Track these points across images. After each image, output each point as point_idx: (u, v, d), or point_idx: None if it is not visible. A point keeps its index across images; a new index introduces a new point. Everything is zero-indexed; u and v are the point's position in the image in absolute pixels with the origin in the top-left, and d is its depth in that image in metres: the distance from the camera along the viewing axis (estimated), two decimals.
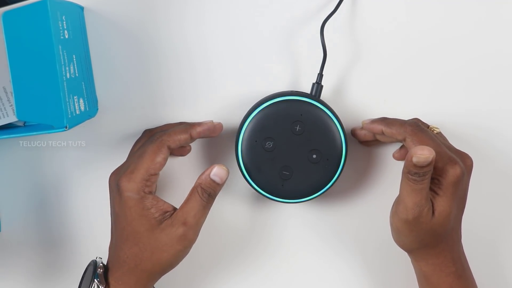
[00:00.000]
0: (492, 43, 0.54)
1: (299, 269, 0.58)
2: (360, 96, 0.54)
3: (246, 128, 0.50)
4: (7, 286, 0.59)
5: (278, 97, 0.50)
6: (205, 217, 0.49)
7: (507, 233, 0.57)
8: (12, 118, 0.52)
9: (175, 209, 0.49)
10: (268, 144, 0.50)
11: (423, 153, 0.44)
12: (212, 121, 0.52)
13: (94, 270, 0.50)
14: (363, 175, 0.56)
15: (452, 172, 0.46)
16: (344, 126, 0.51)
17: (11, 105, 0.51)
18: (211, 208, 0.57)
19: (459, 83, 0.54)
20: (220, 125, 0.52)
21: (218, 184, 0.49)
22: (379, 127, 0.51)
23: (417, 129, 0.48)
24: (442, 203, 0.47)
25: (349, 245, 0.57)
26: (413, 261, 0.52)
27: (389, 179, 0.56)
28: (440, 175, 0.46)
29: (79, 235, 0.58)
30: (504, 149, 0.55)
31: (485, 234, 0.56)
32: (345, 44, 0.54)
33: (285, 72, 0.54)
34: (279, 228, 0.57)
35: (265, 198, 0.52)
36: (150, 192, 0.48)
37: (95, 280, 0.49)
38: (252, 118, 0.50)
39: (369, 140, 0.53)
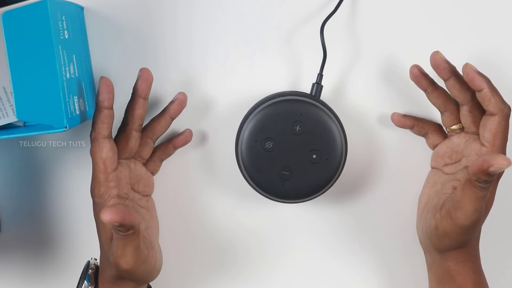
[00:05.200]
0: (494, 43, 0.53)
1: (299, 269, 0.58)
2: (360, 96, 0.54)
3: (246, 128, 0.50)
4: (7, 285, 0.59)
5: (278, 97, 0.50)
6: (138, 251, 0.47)
7: (506, 233, 0.57)
8: (12, 118, 0.52)
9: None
10: (268, 144, 0.50)
11: (504, 163, 0.40)
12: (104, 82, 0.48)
13: (85, 271, 0.50)
14: (363, 175, 0.56)
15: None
16: (344, 126, 0.51)
17: (11, 105, 0.51)
18: (212, 208, 0.57)
19: None
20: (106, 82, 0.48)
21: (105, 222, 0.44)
22: (410, 122, 0.52)
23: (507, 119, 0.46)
24: (490, 199, 0.47)
25: (349, 245, 0.57)
26: (440, 260, 0.50)
27: (389, 179, 0.56)
28: None
29: (79, 235, 0.58)
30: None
31: (483, 234, 0.56)
32: (345, 44, 0.54)
33: (285, 72, 0.54)
34: (279, 228, 0.57)
35: (265, 198, 0.52)
36: (118, 196, 0.48)
37: (84, 281, 0.49)
38: (252, 118, 0.50)
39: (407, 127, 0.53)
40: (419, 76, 0.49)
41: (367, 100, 0.54)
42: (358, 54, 0.54)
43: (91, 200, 0.51)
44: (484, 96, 0.46)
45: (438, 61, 0.47)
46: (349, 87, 0.54)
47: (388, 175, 0.56)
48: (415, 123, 0.52)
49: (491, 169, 0.40)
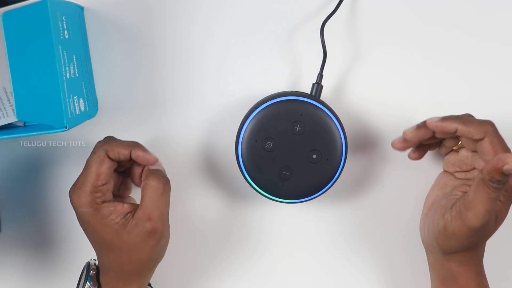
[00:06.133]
0: (495, 42, 0.54)
1: (299, 269, 0.58)
2: (360, 96, 0.54)
3: (246, 128, 0.50)
4: (7, 286, 0.59)
5: (278, 97, 0.50)
6: (168, 204, 0.49)
7: (507, 235, 0.57)
8: (12, 118, 0.52)
9: (136, 206, 0.49)
10: (268, 144, 0.50)
11: None
12: (157, 160, 0.49)
13: (87, 272, 0.50)
14: (363, 175, 0.56)
15: None
16: (344, 126, 0.51)
17: (11, 105, 0.51)
18: (212, 208, 0.57)
19: (461, 83, 0.54)
20: (155, 161, 0.49)
21: (160, 168, 0.49)
22: (454, 126, 0.46)
23: (497, 130, 0.46)
24: (503, 211, 0.46)
25: (349, 245, 0.57)
26: (442, 261, 0.50)
27: (389, 179, 0.56)
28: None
29: (78, 235, 0.58)
30: None
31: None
32: (345, 44, 0.54)
33: (285, 72, 0.54)
34: (279, 228, 0.57)
35: (265, 198, 0.52)
36: (104, 201, 0.48)
37: (87, 282, 0.49)
38: (252, 118, 0.50)
39: (407, 148, 0.50)
40: (406, 147, 0.49)
41: (367, 100, 0.54)
42: (358, 54, 0.54)
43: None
44: (461, 132, 0.47)
45: (439, 127, 0.47)
46: (349, 87, 0.54)
47: (388, 175, 0.56)
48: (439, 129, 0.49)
49: (506, 167, 0.41)
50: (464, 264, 0.49)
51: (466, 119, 0.47)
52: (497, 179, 0.42)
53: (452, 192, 0.50)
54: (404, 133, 0.49)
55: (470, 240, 0.46)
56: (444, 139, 0.50)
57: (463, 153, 0.50)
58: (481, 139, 0.46)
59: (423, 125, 0.48)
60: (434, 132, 0.48)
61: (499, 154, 0.42)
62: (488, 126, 0.46)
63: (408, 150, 0.51)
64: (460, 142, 0.50)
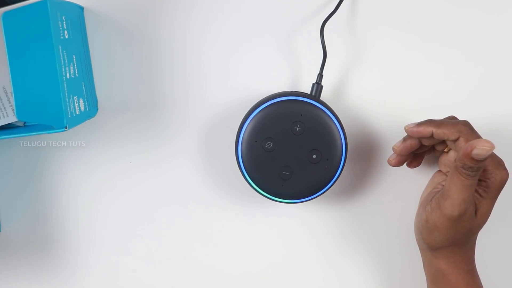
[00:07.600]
0: (493, 40, 0.54)
1: (299, 269, 0.58)
2: (360, 96, 0.54)
3: (246, 128, 0.50)
4: (7, 286, 0.59)
5: (278, 97, 0.50)
6: None
7: (499, 234, 0.57)
8: (12, 118, 0.52)
9: None
10: (268, 144, 0.50)
11: (487, 145, 0.42)
12: None
13: None
14: (363, 175, 0.56)
15: (501, 177, 0.46)
16: (344, 126, 0.51)
17: (11, 105, 0.51)
18: (211, 208, 0.57)
19: (461, 83, 0.54)
20: None
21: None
22: (428, 130, 0.48)
23: (472, 128, 0.47)
24: (485, 205, 0.47)
25: (349, 245, 0.57)
26: (431, 258, 0.50)
27: (389, 179, 0.56)
28: (488, 177, 0.46)
29: (78, 235, 0.58)
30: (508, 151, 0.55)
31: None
32: (345, 44, 0.54)
33: (285, 72, 0.54)
34: (279, 228, 0.57)
35: (265, 198, 0.52)
36: None
37: None
38: (252, 118, 0.50)
39: (404, 161, 0.51)
40: (402, 161, 0.51)
41: (367, 100, 0.55)
42: (358, 54, 0.54)
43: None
44: (437, 135, 0.48)
45: (415, 132, 0.48)
46: (349, 87, 0.54)
47: (388, 175, 0.56)
48: (434, 130, 0.49)
49: (474, 151, 0.42)
50: (452, 261, 0.49)
51: (441, 121, 0.48)
52: (469, 166, 0.43)
53: (436, 187, 0.51)
54: (393, 148, 0.51)
55: (451, 231, 0.47)
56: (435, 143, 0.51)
57: (451, 153, 0.51)
58: (457, 139, 0.47)
59: (407, 136, 0.50)
60: (420, 140, 0.50)
61: (472, 141, 0.43)
62: (462, 126, 0.47)
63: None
64: (446, 149, 0.51)
